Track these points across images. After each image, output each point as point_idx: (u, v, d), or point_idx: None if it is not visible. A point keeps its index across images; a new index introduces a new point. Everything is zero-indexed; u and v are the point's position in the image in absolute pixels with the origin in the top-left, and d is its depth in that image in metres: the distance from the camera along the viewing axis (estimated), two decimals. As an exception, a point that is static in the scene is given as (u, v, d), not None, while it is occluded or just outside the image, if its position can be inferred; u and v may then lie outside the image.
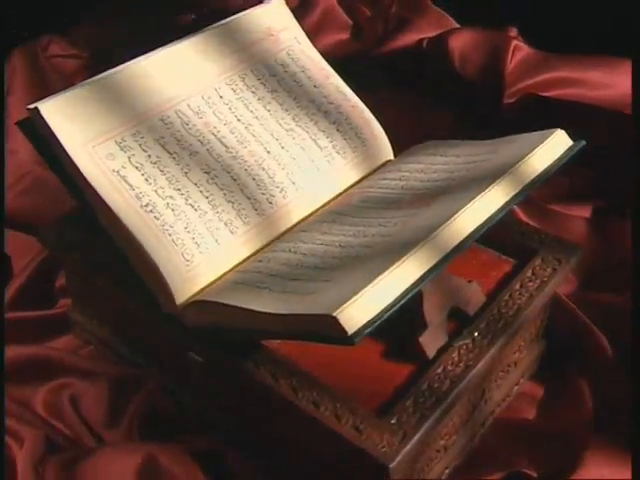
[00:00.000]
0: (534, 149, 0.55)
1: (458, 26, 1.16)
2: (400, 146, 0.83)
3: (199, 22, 1.19)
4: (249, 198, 0.60)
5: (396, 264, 0.45)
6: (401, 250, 0.46)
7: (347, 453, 0.51)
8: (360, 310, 0.43)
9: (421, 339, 0.55)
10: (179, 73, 0.63)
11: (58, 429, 0.65)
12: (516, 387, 0.68)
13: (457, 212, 0.50)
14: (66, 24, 1.12)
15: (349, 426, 0.51)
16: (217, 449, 0.62)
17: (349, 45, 1.19)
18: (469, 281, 0.59)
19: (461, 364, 0.55)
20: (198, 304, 0.54)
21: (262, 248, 0.59)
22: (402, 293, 0.45)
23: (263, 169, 0.62)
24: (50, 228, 0.68)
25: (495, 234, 0.65)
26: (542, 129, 0.61)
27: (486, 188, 0.52)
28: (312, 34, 1.16)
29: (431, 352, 0.56)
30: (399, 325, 0.56)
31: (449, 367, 0.54)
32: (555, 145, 0.56)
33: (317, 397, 0.52)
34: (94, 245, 0.63)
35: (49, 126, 0.55)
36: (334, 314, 0.42)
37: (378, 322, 0.43)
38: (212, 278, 0.57)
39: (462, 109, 1.00)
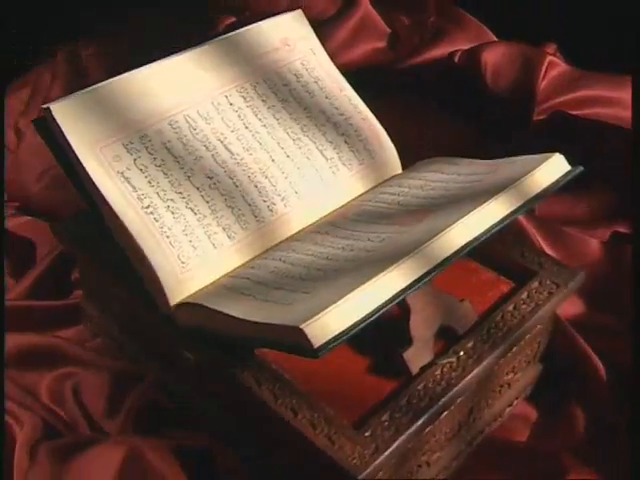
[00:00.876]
0: (529, 172, 0.55)
1: (495, 39, 1.16)
2: (419, 159, 0.83)
3: (240, 26, 1.21)
4: (250, 205, 0.62)
5: (370, 280, 0.46)
6: (378, 267, 0.47)
7: (320, 462, 0.52)
8: (328, 324, 0.44)
9: (405, 354, 0.56)
10: (191, 79, 0.64)
11: (59, 416, 0.67)
12: (509, 408, 0.67)
13: (441, 232, 0.50)
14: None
15: (323, 435, 0.52)
16: (209, 447, 0.64)
17: (384, 54, 1.19)
18: (461, 300, 0.60)
19: (443, 382, 0.55)
20: (187, 306, 0.56)
21: (260, 255, 0.61)
22: (374, 310, 0.45)
23: (266, 177, 0.63)
24: (62, 223, 0.70)
25: (496, 254, 0.66)
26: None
27: (475, 208, 0.52)
28: (349, 41, 1.19)
29: (415, 368, 0.56)
30: (388, 339, 0.57)
31: (430, 384, 0.55)
32: (552, 169, 0.56)
33: (296, 404, 0.54)
34: (100, 243, 0.65)
35: (59, 126, 0.58)
36: (301, 326, 0.43)
37: (346, 337, 0.44)
38: (207, 281, 0.59)
39: (489, 124, 0.99)
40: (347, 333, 0.44)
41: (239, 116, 0.65)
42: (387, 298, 0.46)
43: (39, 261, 0.81)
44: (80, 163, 0.58)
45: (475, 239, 0.50)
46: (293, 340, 0.44)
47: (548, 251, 0.79)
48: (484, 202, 0.52)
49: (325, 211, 0.65)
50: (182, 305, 0.56)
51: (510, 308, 0.60)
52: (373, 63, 1.17)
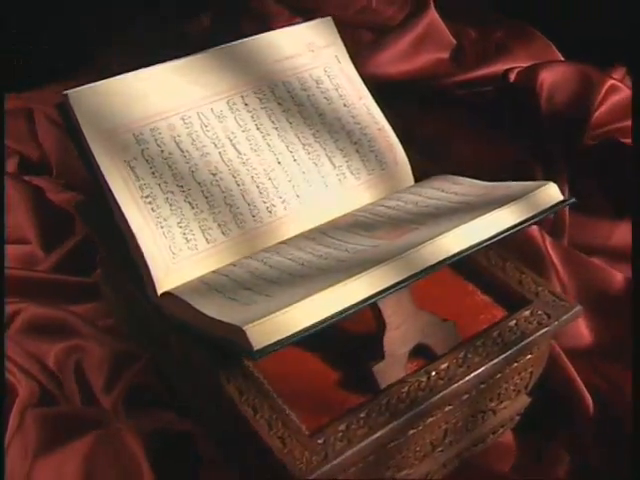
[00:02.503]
0: (519, 198, 0.54)
1: (560, 58, 1.13)
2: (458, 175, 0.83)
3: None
4: (249, 204, 0.63)
5: (321, 291, 0.46)
6: (335, 278, 0.48)
7: (271, 462, 0.53)
8: (271, 328, 0.45)
9: (375, 368, 0.56)
10: (209, 77, 0.66)
11: (59, 385, 0.71)
12: (493, 435, 0.66)
13: (410, 249, 0.50)
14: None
15: (276, 436, 0.52)
16: (191, 431, 0.66)
17: (446, 65, 1.18)
18: (445, 320, 0.59)
19: (407, 400, 0.55)
20: (169, 296, 0.58)
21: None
22: (320, 320, 0.46)
23: (270, 178, 0.64)
24: (85, 203, 0.74)
25: (495, 279, 0.65)
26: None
27: (452, 228, 0.51)
28: (412, 49, 1.19)
29: (383, 383, 0.56)
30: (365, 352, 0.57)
31: (393, 401, 0.55)
32: (543, 197, 0.55)
33: (257, 403, 0.55)
34: (114, 226, 0.68)
35: (74, 111, 0.61)
36: (244, 327, 0.45)
37: (288, 343, 0.45)
38: (196, 275, 0.60)
39: (536, 145, 0.97)
40: (290, 339, 0.45)
41: (252, 117, 0.66)
42: (335, 311, 0.46)
43: (71, 238, 0.85)
44: (89, 148, 0.61)
45: (446, 259, 0.50)
46: (237, 340, 0.46)
47: (568, 280, 0.77)
48: (462, 223, 0.52)
49: (325, 218, 0.65)
50: (165, 294, 0.58)
51: (494, 334, 0.59)
52: (434, 74, 1.17)
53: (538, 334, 0.60)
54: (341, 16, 1.29)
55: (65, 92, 0.62)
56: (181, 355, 0.62)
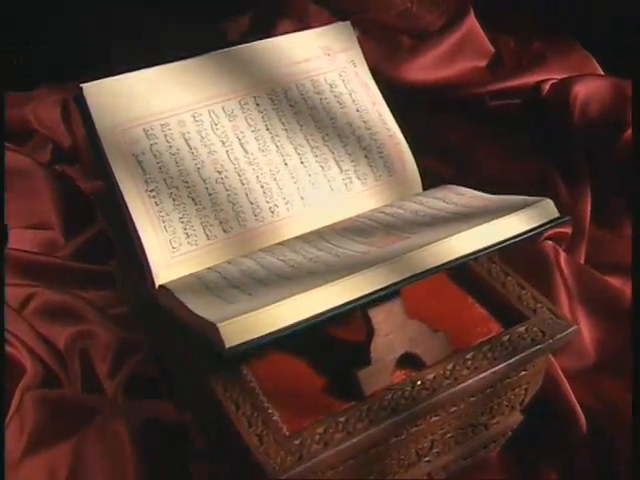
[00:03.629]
0: (511, 213, 0.53)
1: (599, 72, 1.11)
2: (479, 186, 0.82)
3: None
4: (252, 203, 0.64)
5: (297, 294, 0.47)
6: (315, 282, 0.48)
7: (248, 459, 0.53)
8: (244, 328, 0.46)
9: (360, 374, 0.56)
10: (224, 77, 0.67)
11: (67, 368, 0.73)
12: (483, 450, 0.66)
13: (393, 258, 0.50)
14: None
15: (254, 434, 0.53)
16: (187, 424, 0.67)
17: (481, 74, 1.17)
18: (436, 331, 0.59)
19: (389, 408, 0.55)
20: (164, 289, 0.59)
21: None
22: (294, 323, 0.46)
23: (275, 179, 0.65)
24: (101, 192, 0.76)
25: (494, 293, 0.64)
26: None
27: (438, 240, 0.51)
28: (449, 56, 1.18)
29: (368, 389, 0.56)
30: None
31: (374, 407, 0.55)
32: (538, 213, 0.54)
33: (240, 400, 0.55)
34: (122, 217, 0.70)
35: (87, 104, 0.63)
36: (217, 324, 0.45)
37: (260, 343, 0.46)
38: (195, 269, 0.62)
39: (562, 160, 0.95)
40: (262, 340, 0.46)
41: (263, 117, 0.67)
42: (310, 314, 0.47)
43: (92, 226, 0.88)
44: (99, 139, 0.62)
45: (429, 270, 0.50)
46: (211, 336, 0.46)
47: (578, 298, 0.76)
48: (451, 234, 0.52)
49: (328, 221, 0.66)
50: (160, 287, 0.60)
51: (485, 349, 0.59)
52: (468, 82, 1.16)
53: (530, 351, 0.59)
54: (381, 19, 1.30)
55: (81, 85, 0.63)
56: (176, 348, 0.64)
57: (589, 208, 0.88)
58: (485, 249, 0.52)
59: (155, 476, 0.62)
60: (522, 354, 0.59)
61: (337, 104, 0.70)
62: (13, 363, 0.71)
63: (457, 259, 0.51)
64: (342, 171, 0.67)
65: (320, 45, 0.71)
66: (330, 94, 0.70)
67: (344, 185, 0.67)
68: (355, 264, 0.51)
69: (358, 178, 0.68)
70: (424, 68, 1.17)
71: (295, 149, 0.67)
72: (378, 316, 0.56)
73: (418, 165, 0.70)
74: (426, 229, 0.56)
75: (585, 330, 0.73)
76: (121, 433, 0.63)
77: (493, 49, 1.21)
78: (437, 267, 0.50)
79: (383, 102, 0.72)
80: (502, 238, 0.52)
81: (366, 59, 1.21)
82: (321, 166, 0.67)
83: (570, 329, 0.60)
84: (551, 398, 0.66)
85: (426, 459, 0.62)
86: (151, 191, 0.62)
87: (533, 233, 0.53)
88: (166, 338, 0.65)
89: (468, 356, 0.58)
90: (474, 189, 0.89)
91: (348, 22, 0.73)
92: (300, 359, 0.60)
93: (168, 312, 0.60)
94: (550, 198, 0.83)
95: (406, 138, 0.71)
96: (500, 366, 0.58)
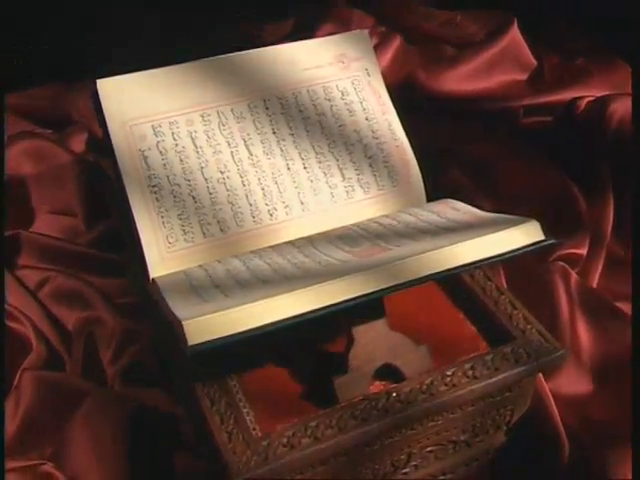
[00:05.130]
0: (495, 231, 0.53)
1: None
2: (496, 200, 0.82)
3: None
4: (251, 205, 0.65)
5: (266, 298, 0.48)
6: (287, 287, 0.49)
7: (217, 455, 0.54)
8: (209, 327, 0.47)
9: (337, 382, 0.56)
10: (236, 79, 0.68)
11: (71, 351, 0.76)
12: (465, 467, 0.65)
13: (367, 270, 0.50)
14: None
15: (225, 431, 0.54)
16: (177, 415, 0.69)
17: (520, 87, 1.16)
18: (419, 344, 0.59)
19: (359, 417, 0.55)
20: (153, 282, 0.60)
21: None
22: (259, 327, 0.47)
23: (276, 182, 0.66)
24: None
25: (485, 311, 0.64)
26: None
27: (416, 255, 0.51)
28: (487, 68, 1.17)
29: (343, 397, 0.56)
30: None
31: (345, 416, 0.55)
32: (522, 234, 0.53)
33: (216, 397, 0.57)
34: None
35: (100, 99, 0.65)
36: (183, 321, 0.47)
37: (223, 344, 0.47)
38: (189, 266, 0.63)
39: (588, 176, 0.93)
40: (226, 340, 0.47)
41: (271, 121, 0.68)
42: (274, 319, 0.47)
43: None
44: (109, 133, 0.64)
45: (397, 285, 0.50)
46: (177, 332, 0.48)
47: (582, 324, 0.74)
48: (427, 250, 0.52)
49: (326, 227, 0.66)
50: (153, 280, 0.61)
51: (467, 366, 0.59)
52: (506, 95, 1.14)
53: (512, 372, 0.58)
54: (425, 27, 1.29)
55: (96, 80, 0.66)
56: (168, 340, 0.65)
57: (610, 230, 0.86)
58: (461, 267, 0.52)
59: (138, 465, 0.64)
60: (503, 374, 0.58)
61: (347, 111, 0.70)
62: (22, 342, 0.74)
63: (429, 275, 0.51)
64: (345, 179, 0.68)
65: (335, 52, 0.72)
66: (341, 101, 0.70)
67: (345, 193, 0.68)
68: (330, 272, 0.51)
69: (361, 187, 0.68)
70: (462, 78, 1.16)
71: (299, 154, 0.68)
72: (359, 326, 0.57)
73: (424, 177, 0.70)
74: (410, 242, 0.56)
75: (585, 356, 0.72)
76: (110, 419, 0.65)
77: (535, 62, 1.19)
78: (409, 282, 0.50)
79: (394, 112, 0.71)
80: (480, 257, 0.52)
81: (406, 66, 1.21)
82: (324, 172, 0.67)
83: (557, 353, 0.59)
84: (538, 421, 0.65)
85: (404, 471, 0.62)
86: (153, 187, 0.64)
87: (513, 254, 0.52)
88: (160, 330, 0.67)
89: (448, 372, 0.58)
90: (491, 203, 0.89)
91: (366, 30, 0.73)
92: (284, 363, 0.61)
93: (157, 305, 0.61)
94: (569, 217, 0.83)
95: (415, 148, 0.71)
96: (479, 385, 0.57)
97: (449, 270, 0.51)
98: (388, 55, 1.23)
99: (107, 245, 0.87)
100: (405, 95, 1.11)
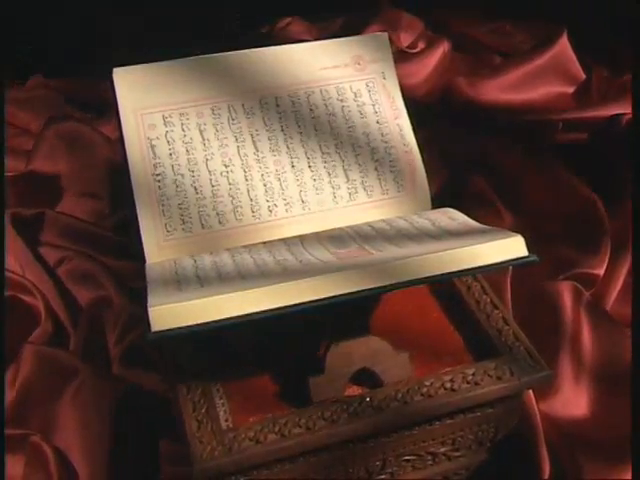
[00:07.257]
0: (477, 244, 0.52)
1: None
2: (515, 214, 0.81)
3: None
4: (252, 200, 0.66)
5: (234, 293, 0.48)
6: (261, 283, 0.49)
7: (185, 441, 0.55)
8: (173, 316, 0.48)
9: (311, 381, 0.56)
10: (249, 75, 0.69)
11: (76, 328, 0.78)
12: (444, 480, 0.64)
13: (344, 270, 0.50)
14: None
15: (195, 419, 0.55)
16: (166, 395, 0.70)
17: (564, 100, 1.13)
18: (399, 352, 0.58)
19: (328, 419, 0.55)
20: (144, 268, 0.62)
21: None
22: (222, 319, 0.48)
23: (279, 179, 0.67)
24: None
25: (476, 324, 0.63)
26: None
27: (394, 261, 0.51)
28: (533, 78, 1.14)
29: (317, 397, 0.57)
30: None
31: (314, 416, 0.55)
32: (505, 248, 0.52)
33: (193, 385, 0.58)
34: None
35: (115, 87, 0.67)
36: (150, 307, 0.48)
37: (186, 333, 0.47)
38: (184, 255, 0.64)
39: (615, 194, 0.90)
40: (188, 330, 0.47)
41: (280, 118, 0.69)
42: (238, 314, 0.48)
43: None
44: (120, 120, 0.66)
45: (367, 290, 0.50)
46: (146, 318, 0.49)
47: (587, 340, 0.72)
48: (406, 257, 0.51)
49: (325, 227, 0.66)
50: (144, 266, 0.63)
51: (446, 378, 0.58)
52: (549, 107, 1.12)
53: (492, 388, 0.57)
54: (474, 34, 1.27)
55: (113, 68, 0.68)
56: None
57: (631, 254, 0.83)
58: (434, 277, 0.51)
59: (122, 445, 0.65)
60: (482, 390, 0.57)
61: (358, 113, 0.70)
62: (32, 315, 0.77)
63: (405, 282, 0.50)
64: (349, 180, 0.68)
65: (352, 54, 0.72)
66: (353, 102, 0.70)
67: (348, 194, 0.68)
68: (306, 271, 0.51)
69: (364, 189, 0.68)
70: (505, 88, 1.14)
71: (305, 153, 0.68)
72: (338, 328, 0.57)
73: (430, 185, 0.69)
74: (393, 248, 0.56)
75: (584, 383, 0.69)
76: (99, 399, 0.67)
77: (584, 76, 1.16)
78: (378, 288, 0.50)
79: (406, 117, 0.71)
80: (455, 269, 0.51)
81: (450, 72, 1.20)
82: (328, 173, 0.68)
83: (541, 373, 0.58)
84: (523, 441, 0.63)
85: (378, 477, 0.62)
86: (157, 175, 0.65)
87: (492, 268, 0.51)
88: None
89: (426, 382, 0.58)
90: (512, 216, 0.87)
91: (385, 33, 0.73)
92: (267, 362, 0.61)
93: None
94: (590, 237, 0.80)
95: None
96: (455, 398, 0.57)
97: (420, 280, 0.51)
98: (433, 60, 1.21)
99: (128, 229, 0.89)
100: (444, 101, 1.11)
